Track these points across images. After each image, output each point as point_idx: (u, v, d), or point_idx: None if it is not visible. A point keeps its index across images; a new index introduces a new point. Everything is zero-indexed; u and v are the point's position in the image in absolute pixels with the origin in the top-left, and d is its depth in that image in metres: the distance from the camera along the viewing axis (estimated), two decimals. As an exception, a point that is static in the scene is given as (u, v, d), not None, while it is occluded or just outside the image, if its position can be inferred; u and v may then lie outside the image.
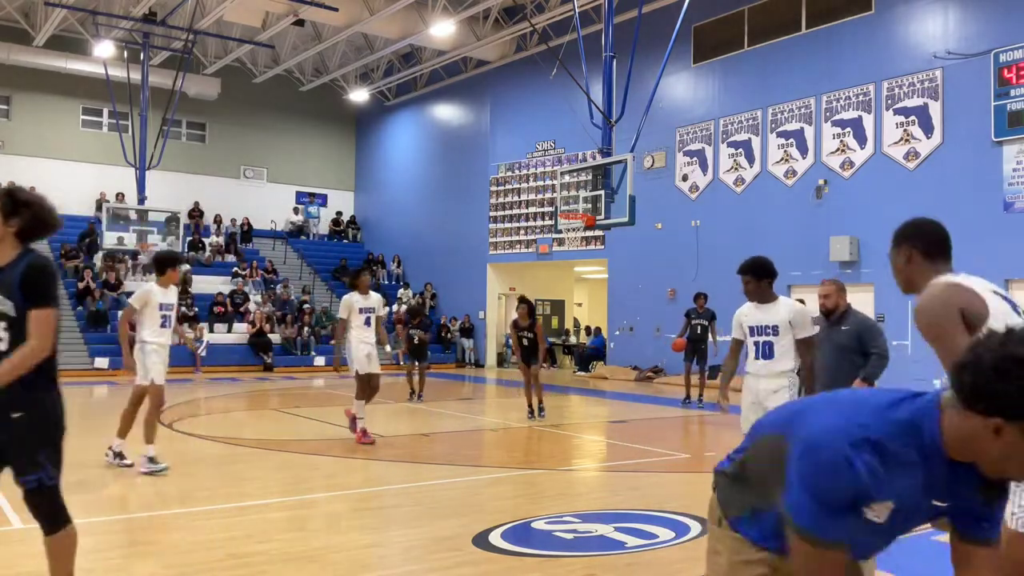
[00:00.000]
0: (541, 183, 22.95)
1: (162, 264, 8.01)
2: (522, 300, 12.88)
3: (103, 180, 25.73)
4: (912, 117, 15.38)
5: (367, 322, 9.82)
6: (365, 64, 26.55)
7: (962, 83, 14.69)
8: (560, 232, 20.03)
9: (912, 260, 3.08)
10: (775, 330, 5.77)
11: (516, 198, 23.73)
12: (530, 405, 12.51)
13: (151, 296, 7.83)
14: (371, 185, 30.61)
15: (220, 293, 23.43)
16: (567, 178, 18.83)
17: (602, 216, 14.63)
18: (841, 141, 16.43)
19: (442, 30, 21.58)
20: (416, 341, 15.36)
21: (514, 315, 12.78)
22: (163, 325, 7.91)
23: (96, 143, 26.37)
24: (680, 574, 5.01)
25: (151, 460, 7.83)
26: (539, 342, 12.42)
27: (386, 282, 27.87)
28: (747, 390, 5.86)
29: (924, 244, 3.08)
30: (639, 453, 9.65)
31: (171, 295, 8.00)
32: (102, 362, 19.80)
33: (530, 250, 23.12)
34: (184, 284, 22.78)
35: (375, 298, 10.06)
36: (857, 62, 16.23)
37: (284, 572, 5.04)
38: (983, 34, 14.54)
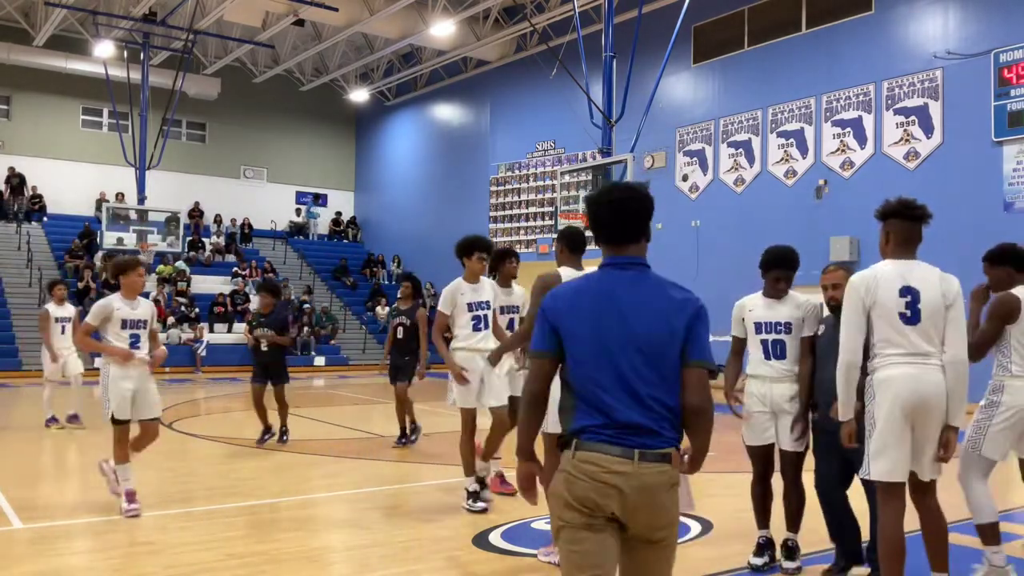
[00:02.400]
0: (541, 183, 22.95)
1: (119, 269, 6.54)
2: (407, 277, 10.53)
3: (103, 180, 25.73)
4: (912, 117, 15.38)
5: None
6: (365, 64, 26.55)
7: (962, 83, 14.68)
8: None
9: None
10: (787, 327, 5.31)
11: (516, 198, 23.73)
12: (401, 424, 9.69)
13: (111, 311, 6.36)
14: (371, 185, 30.61)
15: (220, 294, 23.44)
16: (567, 178, 18.81)
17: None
18: (841, 141, 16.43)
19: (442, 30, 21.57)
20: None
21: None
22: (133, 345, 6.41)
23: (96, 143, 26.37)
24: (680, 573, 5.00)
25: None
26: (420, 338, 9.22)
27: (386, 282, 27.87)
28: (753, 397, 5.31)
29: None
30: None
31: (140, 308, 6.50)
32: (100, 362, 19.77)
33: (530, 250, 23.12)
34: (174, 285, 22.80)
35: (517, 293, 6.94)
36: (857, 62, 16.22)
37: (284, 572, 5.04)
38: (983, 34, 14.53)
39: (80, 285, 21.98)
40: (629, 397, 2.63)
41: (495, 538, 5.74)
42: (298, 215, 29.62)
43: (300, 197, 30.10)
